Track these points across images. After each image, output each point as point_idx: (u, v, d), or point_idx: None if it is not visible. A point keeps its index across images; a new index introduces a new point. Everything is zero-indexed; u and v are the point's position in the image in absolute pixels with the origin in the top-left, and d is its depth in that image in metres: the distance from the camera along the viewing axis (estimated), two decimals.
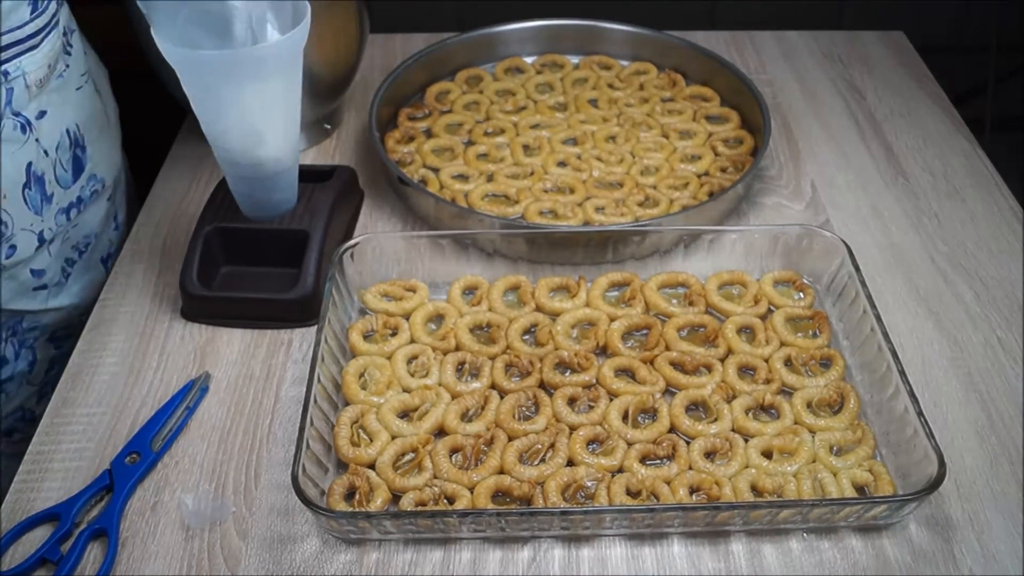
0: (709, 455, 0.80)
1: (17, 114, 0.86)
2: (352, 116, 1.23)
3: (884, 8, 1.47)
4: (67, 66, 0.93)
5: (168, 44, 0.81)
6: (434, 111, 1.18)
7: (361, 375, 0.86)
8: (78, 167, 0.96)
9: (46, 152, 0.91)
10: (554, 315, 0.91)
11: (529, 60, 1.26)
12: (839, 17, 1.50)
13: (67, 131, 0.93)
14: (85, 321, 0.95)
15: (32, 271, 0.94)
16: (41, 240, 0.93)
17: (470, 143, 1.13)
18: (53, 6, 0.88)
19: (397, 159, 1.09)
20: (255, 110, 0.85)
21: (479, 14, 1.30)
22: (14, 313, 0.95)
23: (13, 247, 0.90)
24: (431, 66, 1.22)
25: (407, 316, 0.91)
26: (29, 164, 0.89)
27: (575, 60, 1.26)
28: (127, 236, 1.05)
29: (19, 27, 0.84)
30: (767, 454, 0.80)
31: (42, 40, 0.87)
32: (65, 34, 0.93)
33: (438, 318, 0.92)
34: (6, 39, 0.83)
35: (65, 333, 1.02)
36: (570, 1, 1.32)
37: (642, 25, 1.26)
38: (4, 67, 0.84)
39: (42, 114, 0.89)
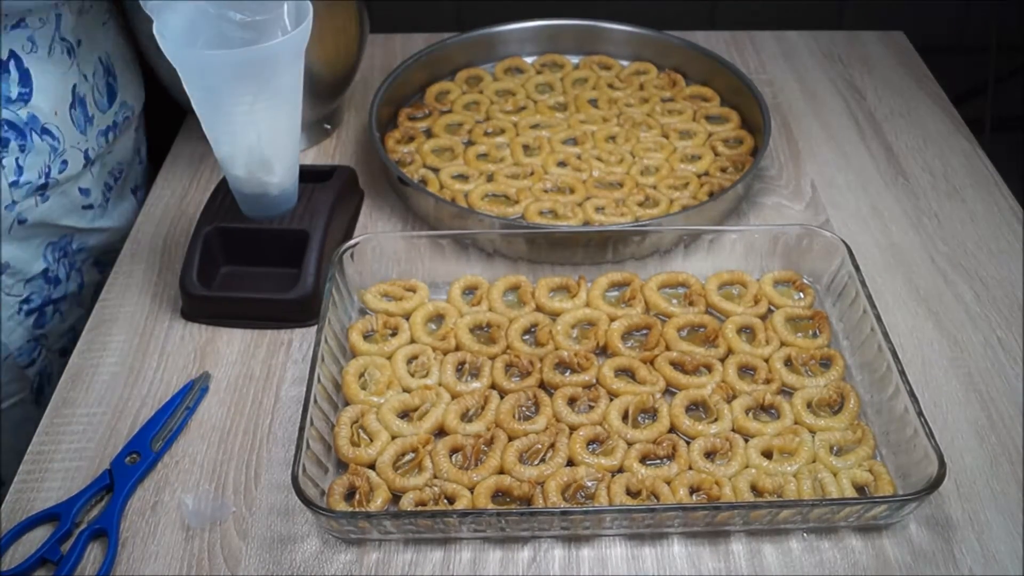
0: (709, 455, 0.80)
1: (64, 38, 0.95)
2: (352, 116, 1.23)
3: (884, 8, 1.47)
4: (92, 2, 1.01)
5: (171, 44, 0.81)
6: (434, 111, 1.18)
7: (361, 375, 0.86)
8: (111, 93, 1.04)
9: (85, 76, 0.99)
10: (554, 315, 0.91)
11: (529, 60, 1.26)
12: (839, 17, 1.50)
13: (99, 59, 1.02)
14: (121, 248, 1.03)
15: (80, 189, 1.02)
16: (87, 159, 1.01)
17: (470, 143, 1.13)
18: None
19: (397, 159, 1.09)
20: (257, 110, 0.85)
21: (479, 14, 1.30)
22: (65, 231, 1.03)
23: (64, 163, 0.98)
24: (431, 66, 1.22)
25: (407, 316, 0.91)
26: (74, 86, 0.98)
27: (575, 60, 1.26)
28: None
29: None
30: (767, 454, 0.80)
31: None
32: None
33: (438, 318, 0.92)
34: None
35: (107, 259, 1.08)
36: (570, 1, 1.32)
37: (642, 25, 1.26)
38: None
39: (79, 42, 0.98)
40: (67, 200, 1.01)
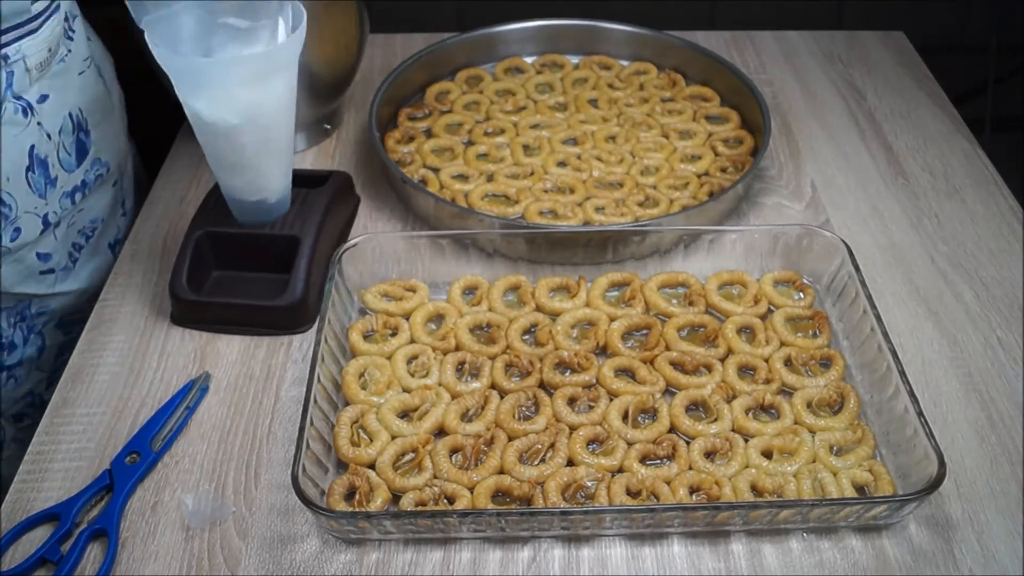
0: (709, 455, 0.80)
1: (18, 97, 0.87)
2: (352, 116, 1.23)
3: (884, 8, 1.47)
4: (69, 51, 0.93)
5: (162, 50, 0.81)
6: (434, 111, 1.18)
7: (361, 375, 0.86)
8: (82, 151, 0.97)
9: (49, 136, 0.91)
10: (554, 315, 0.91)
11: (529, 60, 1.26)
12: (839, 17, 1.50)
13: (70, 115, 0.94)
14: (92, 307, 0.96)
15: (38, 254, 0.95)
16: (46, 224, 0.93)
17: (470, 143, 1.13)
18: None
19: (397, 159, 1.09)
20: (250, 117, 0.85)
21: (479, 14, 1.30)
22: (21, 297, 0.96)
23: (17, 230, 0.90)
24: (431, 66, 1.22)
25: (407, 316, 0.91)
26: (32, 147, 0.89)
27: (575, 60, 1.26)
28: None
29: (17, 13, 0.84)
30: (767, 454, 0.80)
31: (42, 24, 0.88)
32: (67, 19, 0.93)
33: (438, 318, 0.92)
34: (5, 23, 0.84)
35: (73, 319, 1.02)
36: (570, 1, 1.32)
37: (642, 25, 1.26)
38: (4, 51, 0.84)
39: (44, 98, 0.90)
40: (21, 267, 0.94)
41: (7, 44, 0.84)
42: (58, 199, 0.94)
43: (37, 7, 0.87)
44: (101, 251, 1.05)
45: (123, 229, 1.09)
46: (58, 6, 0.90)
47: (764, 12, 1.46)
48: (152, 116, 1.18)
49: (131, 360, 0.90)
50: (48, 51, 0.89)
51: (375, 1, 1.22)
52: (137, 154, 1.13)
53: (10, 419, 1.02)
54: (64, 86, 0.93)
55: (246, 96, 0.83)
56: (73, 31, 0.94)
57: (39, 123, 0.90)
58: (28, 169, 0.90)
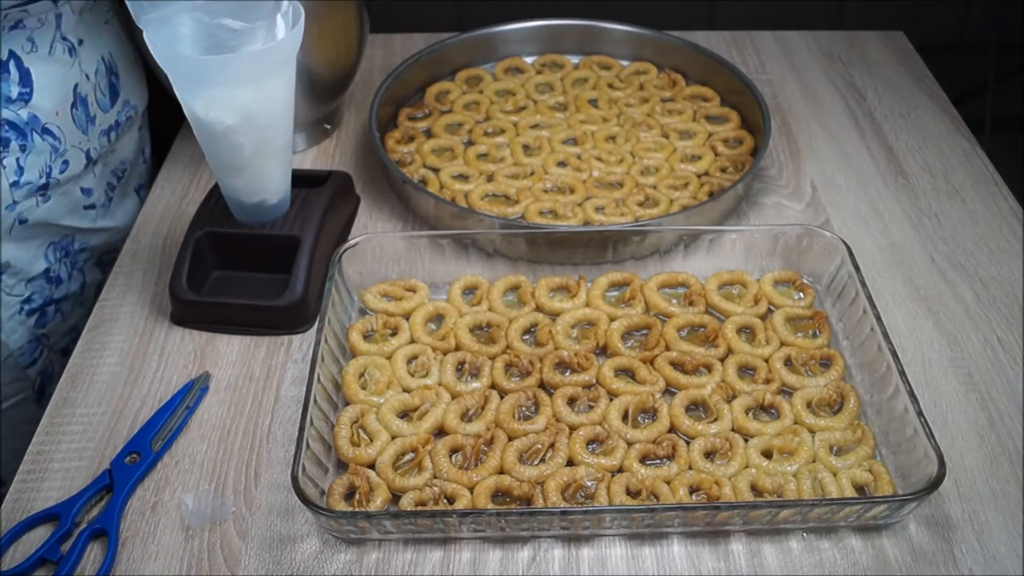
0: (709, 455, 0.80)
1: (65, 38, 0.96)
2: (352, 116, 1.23)
3: (884, 8, 1.47)
4: (94, 2, 1.01)
5: (160, 49, 0.81)
6: (434, 111, 1.18)
7: (361, 375, 0.86)
8: (114, 93, 1.05)
9: (87, 76, 0.99)
10: (554, 315, 0.91)
11: (529, 60, 1.26)
12: (839, 17, 1.50)
13: (102, 58, 1.02)
14: (123, 245, 1.03)
15: (82, 189, 1.02)
16: (88, 158, 1.01)
17: (470, 143, 1.13)
18: None
19: (397, 159, 1.09)
20: (247, 117, 0.84)
21: (479, 14, 1.30)
22: (67, 231, 1.03)
23: (66, 162, 0.98)
24: (431, 66, 1.22)
25: (407, 316, 0.91)
26: (75, 86, 0.98)
27: (575, 60, 1.26)
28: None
29: None
30: (767, 454, 0.80)
31: None
32: None
33: (438, 318, 0.92)
34: None
35: (109, 258, 1.08)
36: (570, 1, 1.32)
37: (642, 25, 1.26)
38: None
39: (81, 42, 0.98)
40: (69, 200, 1.01)
41: None
42: (97, 136, 1.02)
43: None
44: (129, 194, 1.14)
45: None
46: None
47: (764, 12, 1.46)
48: (154, 116, 1.19)
49: (131, 360, 0.90)
50: None
51: (375, 1, 1.22)
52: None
53: (57, 353, 1.08)
54: (95, 32, 1.01)
55: (243, 95, 0.83)
56: None
57: (80, 63, 0.98)
58: (72, 106, 0.97)
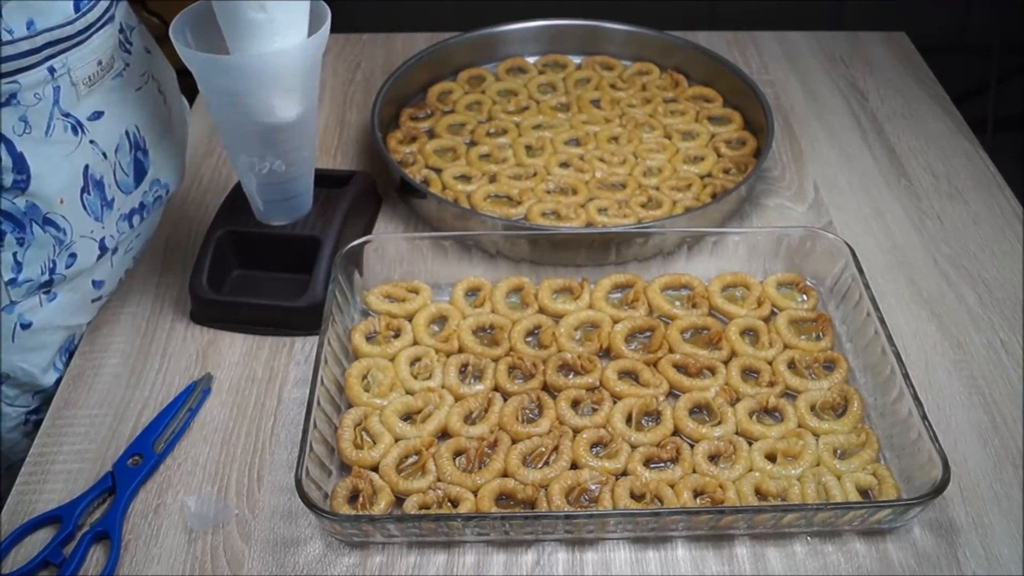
0: (713, 458, 0.80)
1: (66, 115, 0.82)
2: (354, 116, 1.22)
3: (885, 8, 1.47)
4: (126, 65, 0.88)
5: (187, 48, 0.80)
6: (436, 111, 1.18)
7: (364, 377, 0.85)
8: (140, 171, 0.91)
9: (104, 155, 0.86)
10: (557, 317, 0.91)
11: (531, 60, 1.26)
12: (841, 17, 1.50)
13: (127, 132, 0.89)
14: None
15: (93, 282, 0.91)
16: (103, 248, 0.89)
17: (472, 143, 1.13)
18: (104, 3, 0.84)
19: (399, 159, 1.09)
20: (274, 114, 0.84)
21: (481, 14, 1.30)
22: (71, 330, 0.91)
23: (73, 256, 0.86)
24: (433, 66, 1.22)
25: (410, 318, 0.91)
26: (86, 167, 0.85)
27: (577, 60, 1.26)
28: None
29: (60, 25, 0.79)
30: (771, 457, 0.80)
31: (90, 36, 0.83)
32: (122, 31, 0.88)
33: (441, 320, 0.91)
34: (48, 36, 0.79)
35: None
36: (572, 1, 1.32)
37: (644, 25, 1.25)
38: (49, 63, 0.79)
39: (97, 115, 0.85)
40: (76, 296, 0.89)
41: (52, 57, 0.79)
42: (115, 222, 0.89)
43: (87, 19, 0.82)
44: None
45: None
46: (112, 16, 0.85)
47: (765, 12, 1.46)
48: None
49: (133, 361, 0.90)
50: (98, 64, 0.84)
51: (376, 1, 1.21)
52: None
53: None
54: (121, 101, 0.88)
55: (270, 94, 0.82)
56: (130, 43, 0.89)
57: (92, 141, 0.85)
58: (83, 190, 0.85)
